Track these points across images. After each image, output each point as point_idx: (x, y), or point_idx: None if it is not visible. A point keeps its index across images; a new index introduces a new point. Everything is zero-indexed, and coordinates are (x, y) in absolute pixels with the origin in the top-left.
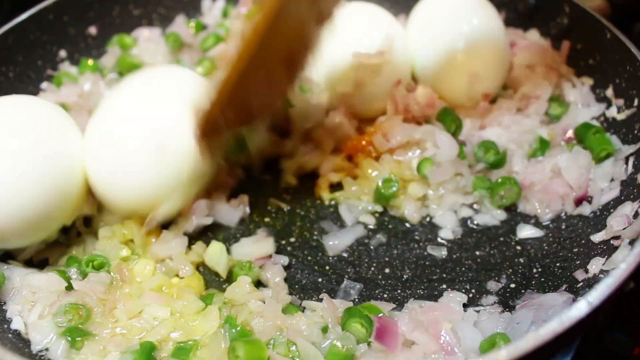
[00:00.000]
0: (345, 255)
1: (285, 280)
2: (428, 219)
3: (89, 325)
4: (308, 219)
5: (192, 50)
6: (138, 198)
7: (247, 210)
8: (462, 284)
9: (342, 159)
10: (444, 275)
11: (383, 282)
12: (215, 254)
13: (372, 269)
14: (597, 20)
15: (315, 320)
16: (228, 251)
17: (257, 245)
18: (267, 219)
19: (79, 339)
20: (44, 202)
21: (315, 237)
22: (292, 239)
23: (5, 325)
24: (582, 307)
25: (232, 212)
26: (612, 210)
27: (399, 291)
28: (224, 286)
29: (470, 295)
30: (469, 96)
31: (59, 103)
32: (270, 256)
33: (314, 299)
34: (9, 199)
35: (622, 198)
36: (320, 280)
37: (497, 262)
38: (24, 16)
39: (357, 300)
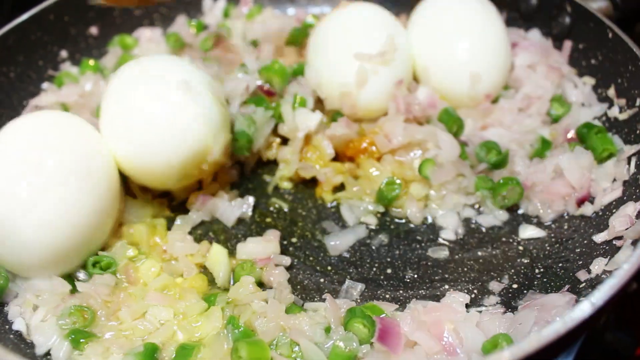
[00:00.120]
0: (347, 255)
1: (287, 280)
2: (430, 220)
3: (93, 327)
4: (309, 219)
5: (193, 50)
6: (181, 147)
7: (250, 212)
8: (464, 284)
9: (343, 163)
10: (446, 276)
11: (385, 282)
12: (216, 258)
13: (374, 269)
14: (599, 20)
15: (318, 320)
16: (232, 251)
17: (263, 245)
18: (268, 219)
19: (83, 340)
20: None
21: (317, 238)
22: (294, 240)
23: (7, 326)
24: (585, 308)
25: (234, 211)
26: (614, 211)
27: (401, 291)
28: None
29: (473, 295)
30: (471, 96)
31: (59, 103)
32: (271, 257)
33: (315, 299)
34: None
35: (625, 198)
36: (322, 280)
37: (500, 263)
38: (24, 16)
39: (359, 300)
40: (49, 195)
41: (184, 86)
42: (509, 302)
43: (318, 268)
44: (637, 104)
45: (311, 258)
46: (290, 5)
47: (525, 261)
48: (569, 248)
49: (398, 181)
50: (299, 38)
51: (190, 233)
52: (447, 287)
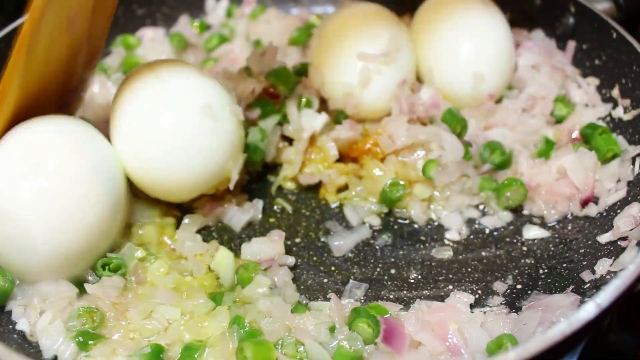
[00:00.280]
0: (350, 255)
1: (292, 281)
2: (434, 220)
3: (102, 329)
4: (313, 219)
5: (196, 50)
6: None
7: (260, 215)
8: (468, 284)
9: (346, 164)
10: (450, 276)
11: (389, 282)
12: (222, 262)
13: (378, 269)
14: (603, 20)
15: (323, 320)
16: (236, 252)
17: (268, 246)
18: (272, 220)
19: (91, 342)
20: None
21: (320, 238)
22: (298, 240)
23: (10, 326)
24: (590, 309)
25: (242, 217)
26: (618, 211)
27: (405, 292)
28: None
29: (477, 296)
30: (474, 97)
31: None
32: (274, 258)
33: (319, 299)
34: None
35: (629, 199)
36: (325, 280)
37: (504, 263)
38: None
39: (363, 301)
40: (56, 198)
41: (208, 111)
42: (513, 302)
43: (322, 268)
44: None
45: (315, 258)
46: (293, 5)
47: (530, 262)
48: (573, 249)
49: (402, 182)
50: (302, 38)
51: (197, 232)
52: (451, 287)
